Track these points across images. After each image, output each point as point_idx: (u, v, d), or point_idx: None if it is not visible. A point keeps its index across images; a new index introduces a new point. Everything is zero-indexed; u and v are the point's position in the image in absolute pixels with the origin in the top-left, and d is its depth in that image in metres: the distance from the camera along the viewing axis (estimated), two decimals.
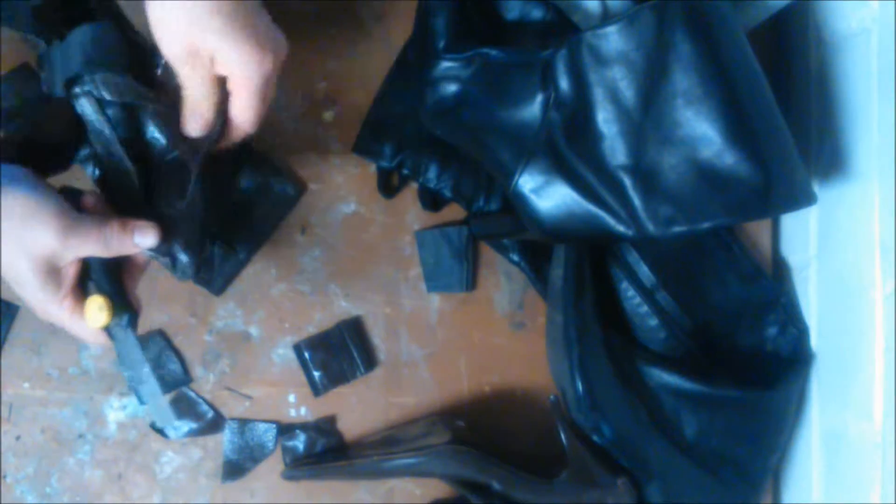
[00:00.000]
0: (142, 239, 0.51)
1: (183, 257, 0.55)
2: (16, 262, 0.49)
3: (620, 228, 0.56)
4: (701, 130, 0.53)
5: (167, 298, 0.69)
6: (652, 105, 0.54)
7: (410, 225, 0.70)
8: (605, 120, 0.55)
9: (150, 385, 0.55)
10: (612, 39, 0.54)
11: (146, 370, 0.55)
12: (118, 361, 0.55)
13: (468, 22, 0.61)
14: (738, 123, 0.53)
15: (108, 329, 0.53)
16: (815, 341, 0.66)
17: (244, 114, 0.52)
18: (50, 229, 0.48)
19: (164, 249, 0.54)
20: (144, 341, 0.68)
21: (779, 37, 0.73)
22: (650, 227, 0.55)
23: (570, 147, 0.57)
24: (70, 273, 0.51)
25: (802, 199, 0.56)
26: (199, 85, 0.51)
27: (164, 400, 0.59)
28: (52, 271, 0.50)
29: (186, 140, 0.54)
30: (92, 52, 0.52)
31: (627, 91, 0.54)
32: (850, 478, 0.61)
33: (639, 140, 0.54)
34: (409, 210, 0.70)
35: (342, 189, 0.70)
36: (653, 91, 0.54)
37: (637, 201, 0.55)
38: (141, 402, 0.67)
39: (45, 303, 0.51)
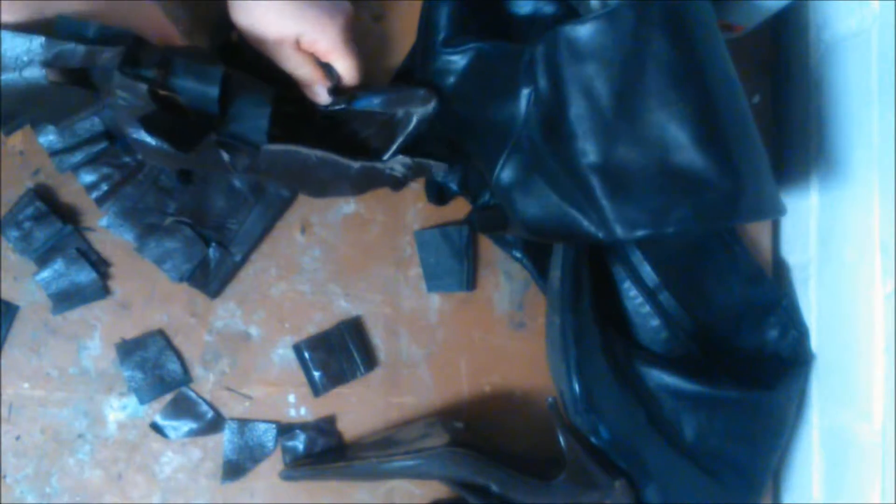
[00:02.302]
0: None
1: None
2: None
3: (592, 229, 0.55)
4: (672, 133, 0.52)
5: (167, 298, 0.69)
6: (625, 104, 0.53)
7: (410, 225, 0.70)
8: (578, 117, 0.54)
9: None
10: (590, 35, 0.53)
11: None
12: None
13: (475, 17, 0.61)
14: (711, 128, 0.53)
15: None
16: (815, 341, 0.66)
17: (352, 75, 0.62)
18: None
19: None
20: (144, 341, 0.68)
21: (779, 37, 0.72)
22: (617, 229, 0.54)
23: (546, 144, 0.56)
24: None
25: (770, 209, 0.55)
26: (301, 64, 0.60)
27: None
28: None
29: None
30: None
31: (602, 89, 0.53)
32: (850, 478, 0.61)
33: (609, 139, 0.53)
34: (409, 210, 0.70)
35: None
36: (627, 90, 0.53)
37: (605, 202, 0.54)
38: None
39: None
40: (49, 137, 0.67)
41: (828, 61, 0.65)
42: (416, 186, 0.70)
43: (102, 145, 0.67)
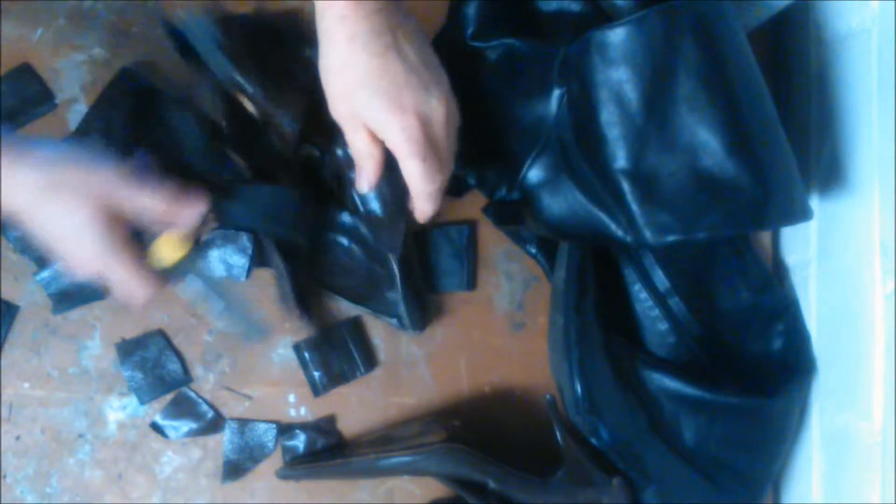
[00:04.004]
0: (192, 210, 0.55)
1: (403, 313, 0.65)
2: (76, 210, 0.51)
3: (619, 233, 0.56)
4: (703, 138, 0.53)
5: (167, 298, 0.69)
6: (655, 109, 0.53)
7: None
8: (608, 122, 0.54)
9: (239, 302, 0.59)
10: (620, 40, 0.53)
11: (234, 290, 0.60)
12: (202, 293, 0.59)
13: (502, 11, 0.61)
14: (740, 134, 0.53)
15: (181, 263, 0.57)
16: (815, 341, 0.66)
17: (415, 182, 0.54)
18: (111, 170, 0.52)
19: (390, 310, 0.67)
20: (144, 341, 0.68)
21: (779, 37, 0.72)
22: (647, 234, 0.54)
23: (577, 146, 0.56)
24: (125, 224, 0.53)
25: (799, 213, 0.55)
26: (360, 144, 0.54)
27: (257, 313, 0.65)
28: (112, 216, 0.52)
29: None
30: (271, 212, 0.61)
31: (632, 94, 0.54)
32: (850, 478, 0.61)
33: (640, 144, 0.54)
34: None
35: None
36: (657, 95, 0.53)
37: (635, 207, 0.54)
38: (246, 330, 0.67)
39: (105, 251, 0.52)
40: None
41: (828, 61, 0.65)
42: None
43: None
